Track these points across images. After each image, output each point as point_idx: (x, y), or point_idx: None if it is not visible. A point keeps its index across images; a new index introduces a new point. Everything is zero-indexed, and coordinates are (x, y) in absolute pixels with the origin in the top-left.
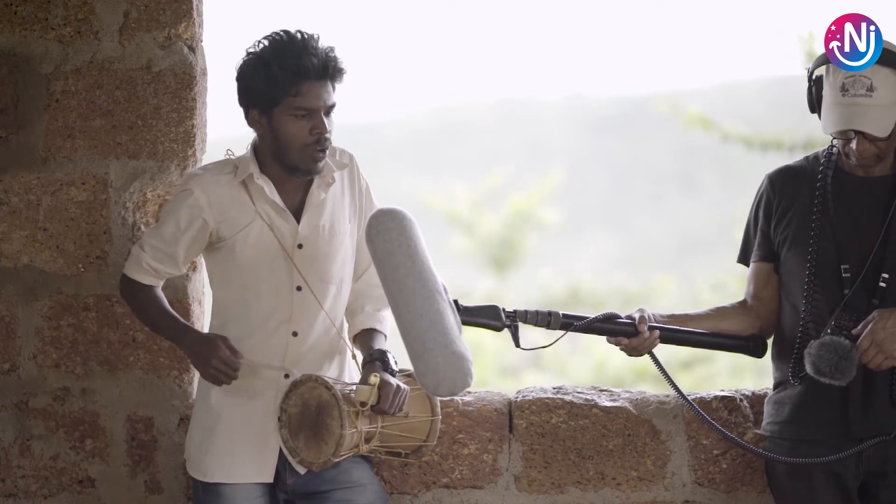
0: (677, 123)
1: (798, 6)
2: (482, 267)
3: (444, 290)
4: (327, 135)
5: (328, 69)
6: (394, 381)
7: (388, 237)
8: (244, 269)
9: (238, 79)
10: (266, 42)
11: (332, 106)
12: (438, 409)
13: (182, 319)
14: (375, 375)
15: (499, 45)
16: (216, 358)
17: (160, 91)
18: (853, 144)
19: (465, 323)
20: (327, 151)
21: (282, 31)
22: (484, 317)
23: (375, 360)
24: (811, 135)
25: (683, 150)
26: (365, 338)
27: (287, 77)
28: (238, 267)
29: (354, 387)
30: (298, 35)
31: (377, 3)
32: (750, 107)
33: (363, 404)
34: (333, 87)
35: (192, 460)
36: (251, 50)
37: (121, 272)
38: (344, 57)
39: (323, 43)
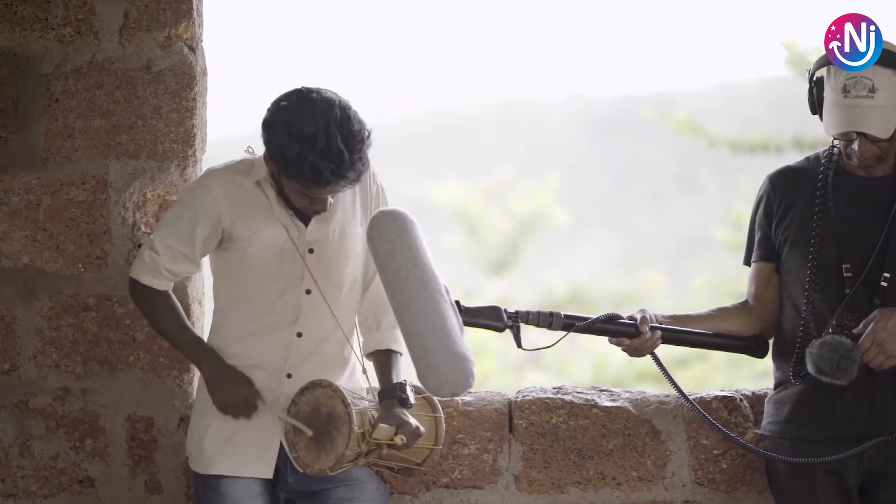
0: (665, 126)
1: (798, 6)
2: (484, 267)
3: (446, 291)
4: (328, 208)
5: (345, 179)
6: (413, 422)
7: (390, 238)
8: (253, 270)
9: (262, 126)
10: (293, 113)
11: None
12: (442, 440)
13: (203, 339)
14: (402, 439)
15: (499, 45)
16: (241, 396)
17: (160, 91)
18: (855, 146)
19: (466, 324)
20: None
21: (312, 108)
22: (485, 318)
23: (395, 398)
24: (799, 136)
25: (683, 150)
26: (382, 361)
27: (299, 176)
28: (247, 268)
29: (366, 404)
30: (322, 125)
31: (377, 3)
32: (749, 107)
33: (377, 442)
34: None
35: (193, 454)
36: (279, 112)
37: (122, 272)
38: (369, 137)
39: (352, 132)
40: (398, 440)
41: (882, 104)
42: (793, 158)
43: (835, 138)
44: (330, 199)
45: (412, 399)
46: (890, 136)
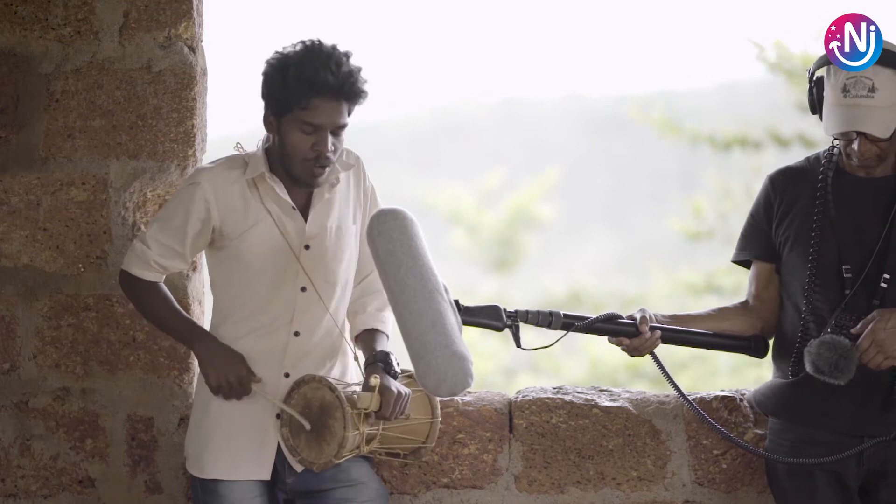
0: (658, 129)
1: (799, 7)
2: (484, 268)
3: (445, 289)
4: (328, 154)
5: (343, 89)
6: (395, 386)
7: (390, 237)
8: (248, 269)
9: (262, 76)
10: (295, 46)
11: (342, 126)
12: (439, 412)
13: (195, 321)
14: (375, 377)
15: (499, 45)
16: (234, 376)
17: (160, 91)
18: (855, 145)
19: (465, 323)
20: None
21: (315, 40)
22: (485, 317)
23: (377, 363)
24: (775, 131)
25: (683, 150)
26: (367, 339)
27: (300, 88)
28: (243, 266)
29: (357, 388)
30: (327, 48)
31: (378, 3)
32: (749, 107)
33: (365, 410)
34: (349, 109)
35: (191, 457)
36: (281, 50)
37: (120, 270)
38: (368, 78)
39: (351, 62)
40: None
41: (882, 104)
42: (795, 156)
43: (835, 138)
44: (330, 144)
45: (395, 365)
46: (890, 136)
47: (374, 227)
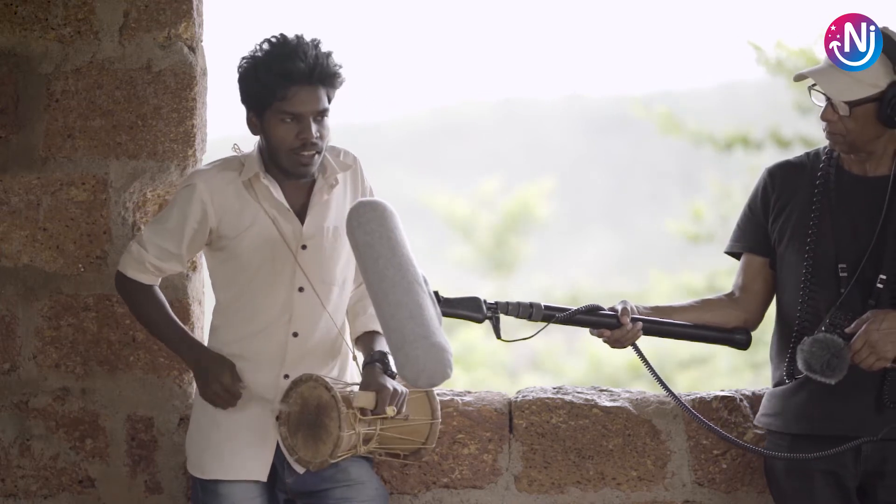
0: (661, 128)
1: (800, 6)
2: (482, 271)
3: (425, 281)
4: (314, 140)
5: (315, 73)
6: (392, 383)
7: (369, 228)
8: (246, 269)
9: (237, 81)
10: (262, 45)
11: (323, 111)
12: (439, 413)
13: (187, 330)
14: (393, 409)
15: (499, 45)
16: (218, 384)
17: (160, 91)
18: (821, 112)
19: (445, 314)
20: (328, 153)
21: (279, 34)
22: (465, 308)
23: (375, 362)
24: (776, 131)
25: (683, 149)
26: (367, 340)
27: (274, 80)
28: (241, 267)
29: (355, 388)
30: (293, 39)
31: (378, 3)
32: (750, 107)
33: (362, 410)
34: (328, 93)
35: (192, 458)
36: (249, 52)
37: (116, 271)
38: (341, 62)
39: (321, 48)
40: (389, 411)
41: (851, 73)
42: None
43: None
44: (315, 130)
45: (393, 365)
46: (848, 111)
47: (353, 220)
